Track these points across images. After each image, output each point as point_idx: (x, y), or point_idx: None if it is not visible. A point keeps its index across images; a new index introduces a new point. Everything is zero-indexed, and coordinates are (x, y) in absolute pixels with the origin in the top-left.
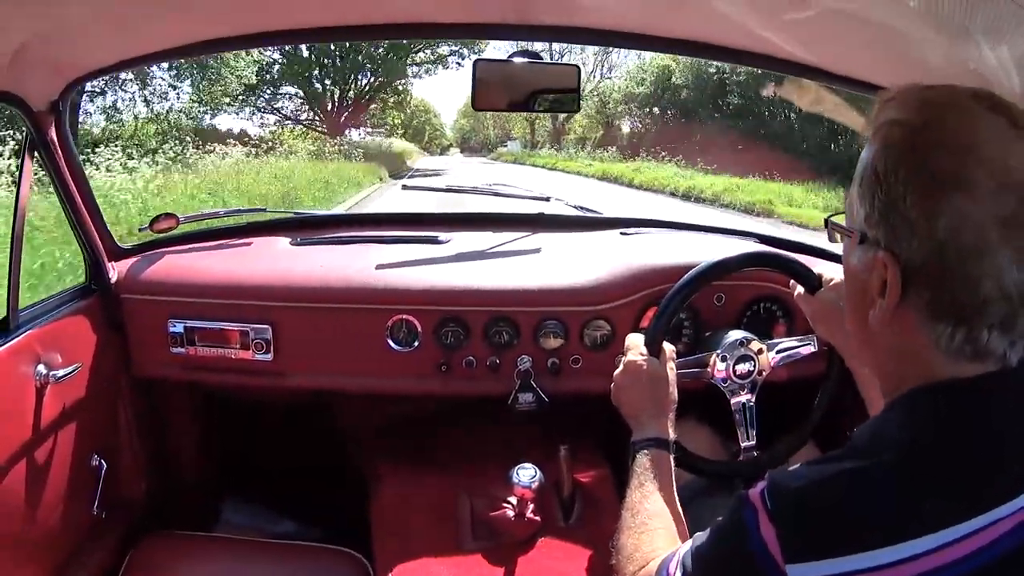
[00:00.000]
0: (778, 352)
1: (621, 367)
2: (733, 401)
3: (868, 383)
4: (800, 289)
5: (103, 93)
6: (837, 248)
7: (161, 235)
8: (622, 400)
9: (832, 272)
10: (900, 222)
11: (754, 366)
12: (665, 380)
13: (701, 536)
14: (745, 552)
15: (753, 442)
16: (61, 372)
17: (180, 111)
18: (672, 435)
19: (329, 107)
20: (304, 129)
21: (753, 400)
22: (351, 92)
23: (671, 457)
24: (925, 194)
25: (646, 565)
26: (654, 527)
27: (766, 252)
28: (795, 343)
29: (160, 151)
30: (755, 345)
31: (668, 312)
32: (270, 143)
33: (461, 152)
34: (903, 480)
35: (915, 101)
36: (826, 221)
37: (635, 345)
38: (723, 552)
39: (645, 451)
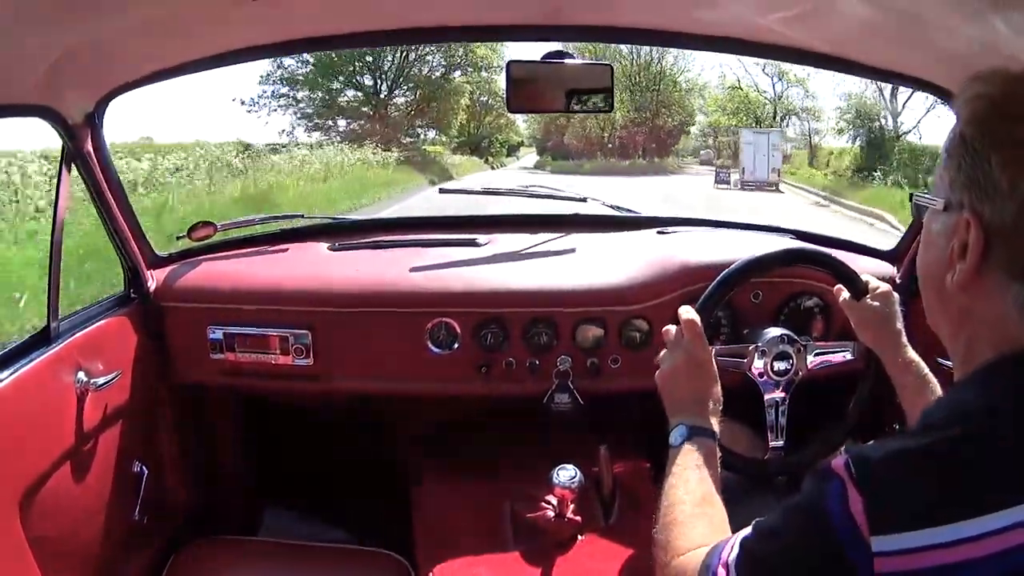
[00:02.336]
0: (817, 355)
1: (663, 354)
2: (767, 397)
3: (910, 393)
4: (845, 294)
5: None
6: (868, 242)
7: (199, 243)
8: (666, 381)
9: (878, 280)
10: (984, 183)
11: (791, 365)
12: (709, 364)
13: (765, 519)
14: (829, 524)
15: (782, 442)
16: (102, 380)
17: None
18: (716, 428)
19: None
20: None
21: (787, 399)
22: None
23: (717, 449)
24: (1008, 159)
25: (684, 554)
26: (694, 517)
27: (818, 252)
28: (834, 349)
29: None
30: (794, 344)
31: (714, 299)
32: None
33: (539, 155)
34: (983, 453)
35: (1000, 77)
36: (911, 196)
37: (686, 314)
38: (801, 526)
39: (690, 439)
